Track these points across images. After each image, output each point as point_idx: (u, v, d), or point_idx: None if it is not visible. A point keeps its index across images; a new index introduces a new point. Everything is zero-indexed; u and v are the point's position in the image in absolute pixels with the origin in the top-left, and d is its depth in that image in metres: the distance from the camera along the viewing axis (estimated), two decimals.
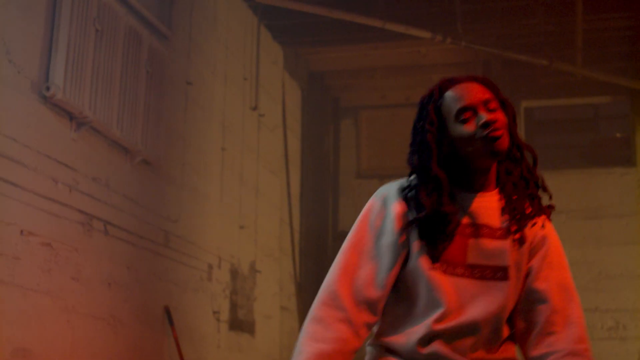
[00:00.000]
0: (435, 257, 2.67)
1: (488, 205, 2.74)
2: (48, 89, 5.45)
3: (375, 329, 2.78)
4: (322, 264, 10.75)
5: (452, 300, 2.66)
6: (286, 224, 9.98)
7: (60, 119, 5.68)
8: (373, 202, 2.77)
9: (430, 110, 2.72)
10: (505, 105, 2.77)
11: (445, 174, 2.69)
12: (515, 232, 2.73)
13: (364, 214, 2.77)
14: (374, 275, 2.68)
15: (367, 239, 2.72)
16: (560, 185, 11.47)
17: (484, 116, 2.65)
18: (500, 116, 2.68)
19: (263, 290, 9.19)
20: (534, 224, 2.77)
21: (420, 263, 2.67)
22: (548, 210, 2.83)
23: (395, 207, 2.72)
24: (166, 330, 7.02)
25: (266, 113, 9.50)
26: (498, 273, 2.70)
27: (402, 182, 2.79)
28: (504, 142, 2.66)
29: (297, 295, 10.16)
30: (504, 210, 2.75)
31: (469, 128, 2.66)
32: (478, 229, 2.71)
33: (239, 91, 8.90)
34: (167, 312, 7.01)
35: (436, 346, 2.66)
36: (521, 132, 12.03)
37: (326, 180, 11.36)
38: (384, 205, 2.74)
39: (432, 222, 2.66)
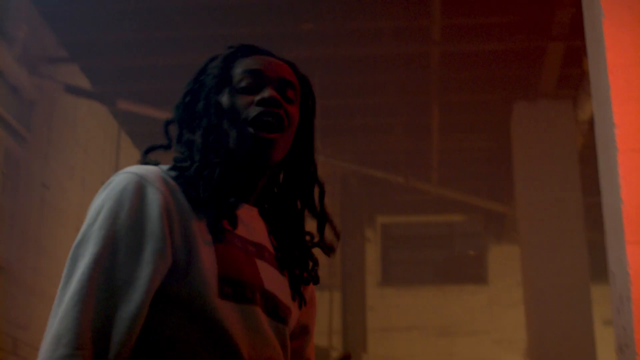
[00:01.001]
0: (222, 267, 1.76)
1: (254, 221, 1.93)
2: None
3: None
4: None
5: (249, 344, 1.77)
6: None
7: None
8: (122, 188, 1.74)
9: (220, 61, 1.94)
10: (309, 117, 2.02)
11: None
12: (295, 292, 1.96)
13: (108, 210, 1.72)
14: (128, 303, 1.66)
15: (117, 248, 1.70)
16: (414, 301, 11.63)
17: (268, 93, 1.87)
18: (292, 112, 1.92)
19: None
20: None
21: (197, 284, 1.72)
22: (316, 277, 2.01)
23: (157, 193, 1.75)
24: None
25: None
26: (285, 311, 1.92)
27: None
28: (275, 149, 1.87)
29: None
30: (272, 240, 1.97)
31: (241, 100, 1.87)
32: (260, 250, 1.90)
33: None
34: None
35: None
36: (377, 248, 12.18)
37: None
38: (141, 191, 1.75)
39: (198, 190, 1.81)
